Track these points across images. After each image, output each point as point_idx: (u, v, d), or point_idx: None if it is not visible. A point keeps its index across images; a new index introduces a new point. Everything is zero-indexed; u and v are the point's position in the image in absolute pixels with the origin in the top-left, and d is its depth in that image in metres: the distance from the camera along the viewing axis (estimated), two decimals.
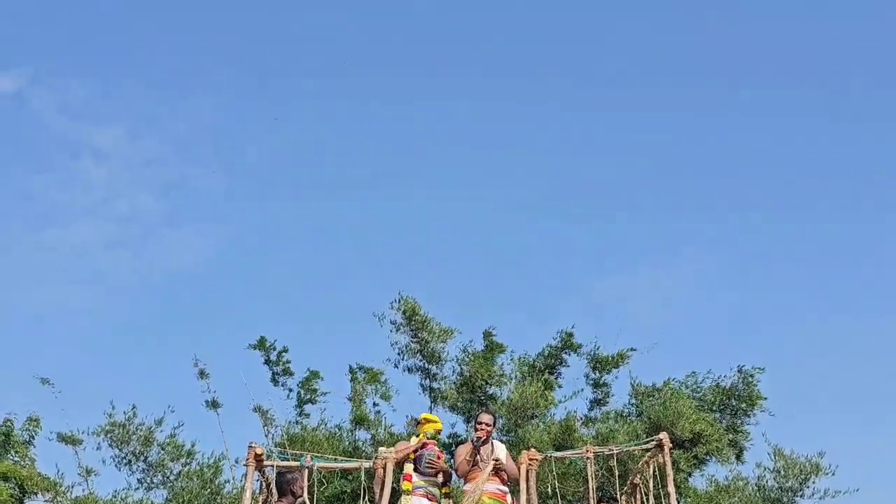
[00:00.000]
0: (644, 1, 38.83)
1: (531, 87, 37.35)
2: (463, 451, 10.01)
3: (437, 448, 9.99)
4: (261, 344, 18.97)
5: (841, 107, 36.39)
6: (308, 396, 18.88)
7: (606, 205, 35.54)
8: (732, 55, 38.05)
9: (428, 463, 9.70)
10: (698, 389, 17.88)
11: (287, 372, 19.02)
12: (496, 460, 9.70)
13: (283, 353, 19.07)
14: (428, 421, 10.19)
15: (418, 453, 9.76)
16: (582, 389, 18.16)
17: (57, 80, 37.29)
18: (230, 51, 37.73)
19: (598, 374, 18.30)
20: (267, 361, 19.06)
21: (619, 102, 37.94)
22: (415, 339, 17.99)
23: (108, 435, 17.05)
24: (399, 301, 17.95)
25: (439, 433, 10.43)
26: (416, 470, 9.76)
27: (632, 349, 18.20)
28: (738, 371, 17.91)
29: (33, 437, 17.98)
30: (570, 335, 18.37)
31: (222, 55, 38.05)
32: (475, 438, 9.84)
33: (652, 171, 35.99)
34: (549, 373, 18.22)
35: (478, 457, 9.77)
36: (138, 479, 17.32)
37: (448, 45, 38.59)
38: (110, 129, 36.28)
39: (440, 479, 9.86)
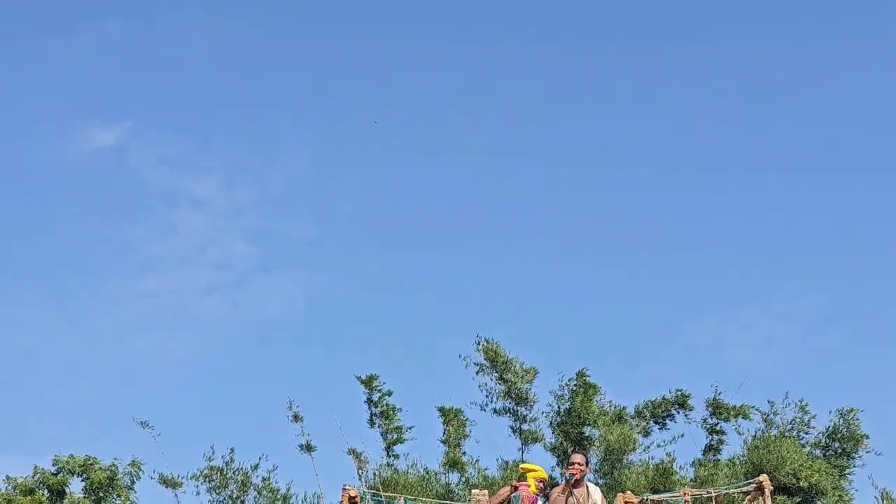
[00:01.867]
0: None
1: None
2: (556, 492, 9.89)
3: (529, 490, 9.87)
4: (368, 381, 19.04)
5: None
6: (395, 436, 18.89)
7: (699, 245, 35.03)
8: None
9: None
10: (800, 436, 17.49)
11: (385, 415, 19.06)
12: None
13: (387, 396, 19.12)
14: (527, 471, 10.09)
15: (512, 495, 9.67)
16: (682, 435, 17.90)
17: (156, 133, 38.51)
18: (324, 104, 38.49)
19: (716, 420, 18.10)
20: (368, 401, 19.13)
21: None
22: (500, 381, 17.92)
23: (207, 479, 17.31)
24: (480, 342, 17.92)
25: (543, 482, 10.29)
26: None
27: (756, 408, 18.00)
28: (839, 413, 17.53)
29: (135, 481, 18.35)
30: (687, 396, 18.20)
31: (316, 108, 38.82)
32: (568, 475, 9.72)
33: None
34: (655, 423, 18.05)
35: (570, 498, 9.62)
36: None
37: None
38: (207, 179, 37.26)
39: None
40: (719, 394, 18.09)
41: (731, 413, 17.95)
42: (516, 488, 9.78)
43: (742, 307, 34.21)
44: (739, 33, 38.43)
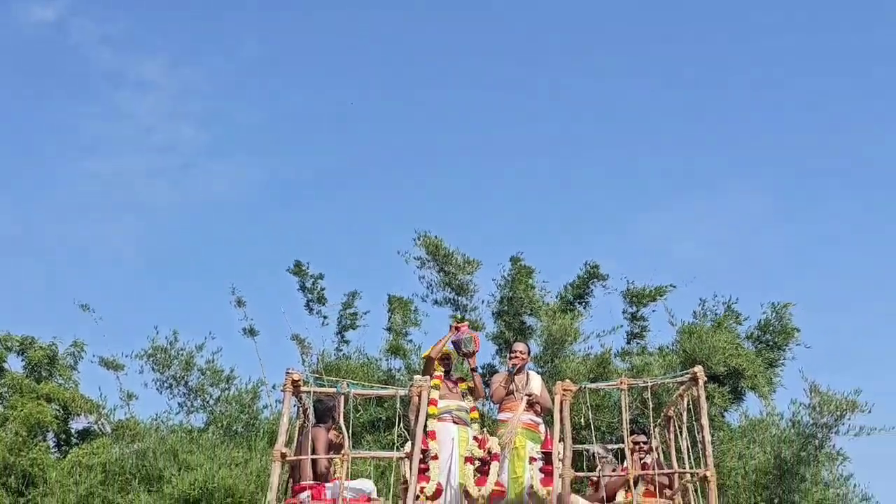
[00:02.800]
0: None
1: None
2: (498, 380, 10.15)
3: (470, 331, 10.20)
4: (297, 268, 19.14)
5: None
6: (349, 322, 19.08)
7: (644, 136, 35.15)
8: None
9: (465, 349, 9.93)
10: (734, 327, 17.87)
11: (321, 300, 19.18)
12: (529, 395, 9.81)
13: (319, 280, 19.23)
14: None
15: (460, 337, 9.97)
16: (620, 326, 18.20)
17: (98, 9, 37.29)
18: None
19: (634, 307, 18.32)
20: (302, 288, 19.24)
21: (655, 21, 37.29)
22: (441, 273, 18.02)
23: (151, 358, 17.36)
24: (420, 238, 17.94)
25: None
26: (447, 376, 9.94)
27: (671, 285, 18.21)
28: (772, 307, 17.92)
29: (77, 361, 18.37)
30: (596, 266, 18.36)
31: None
32: (510, 367, 9.99)
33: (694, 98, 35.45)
34: (578, 304, 18.28)
35: (512, 385, 9.89)
36: (179, 403, 17.69)
37: None
38: (152, 60, 36.32)
39: (470, 401, 9.98)
40: (632, 282, 18.33)
41: (648, 297, 18.19)
42: (458, 328, 10.10)
43: (688, 203, 34.69)
44: None
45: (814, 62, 36.40)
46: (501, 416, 9.92)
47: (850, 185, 34.27)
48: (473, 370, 10.33)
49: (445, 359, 10.10)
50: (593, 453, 10.07)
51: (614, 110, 35.48)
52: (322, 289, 19.23)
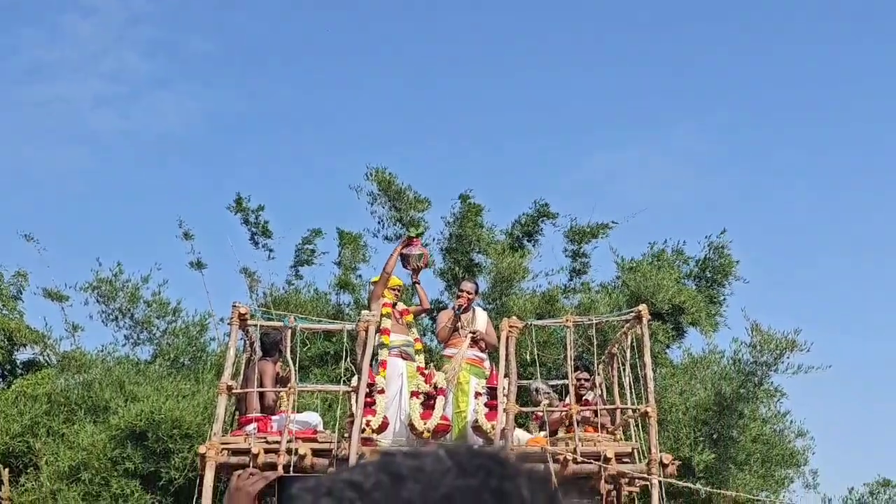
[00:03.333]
0: None
1: None
2: (444, 317, 10.24)
3: (422, 247, 10.32)
4: (238, 204, 18.90)
5: None
6: (306, 258, 19.00)
7: (595, 77, 35.11)
8: None
9: (415, 264, 10.10)
10: (677, 263, 18.10)
11: (266, 233, 19.02)
12: (473, 332, 9.92)
13: (259, 213, 19.01)
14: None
15: (406, 251, 10.07)
16: (563, 267, 18.34)
17: None
18: None
19: (576, 244, 18.45)
20: (245, 222, 19.06)
21: None
22: (393, 209, 17.98)
23: (95, 291, 17.18)
24: (373, 173, 17.85)
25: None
26: (406, 264, 10.04)
27: (613, 222, 18.36)
28: (710, 244, 18.14)
29: (21, 292, 18.16)
30: (546, 205, 18.45)
31: None
32: (457, 306, 10.06)
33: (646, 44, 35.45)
34: (527, 241, 18.39)
35: (459, 323, 9.98)
36: (125, 336, 17.59)
37: None
38: None
39: (414, 333, 10.11)
40: (575, 219, 18.46)
41: (590, 234, 18.35)
42: (412, 242, 10.23)
43: (639, 145, 34.85)
44: None
45: (762, 6, 36.48)
46: (447, 353, 10.03)
47: (795, 125, 34.62)
48: (416, 282, 10.47)
49: (396, 289, 10.18)
50: (535, 388, 10.23)
51: (565, 53, 35.35)
52: (266, 222, 19.04)
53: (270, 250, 19.02)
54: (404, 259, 10.16)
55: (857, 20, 34.11)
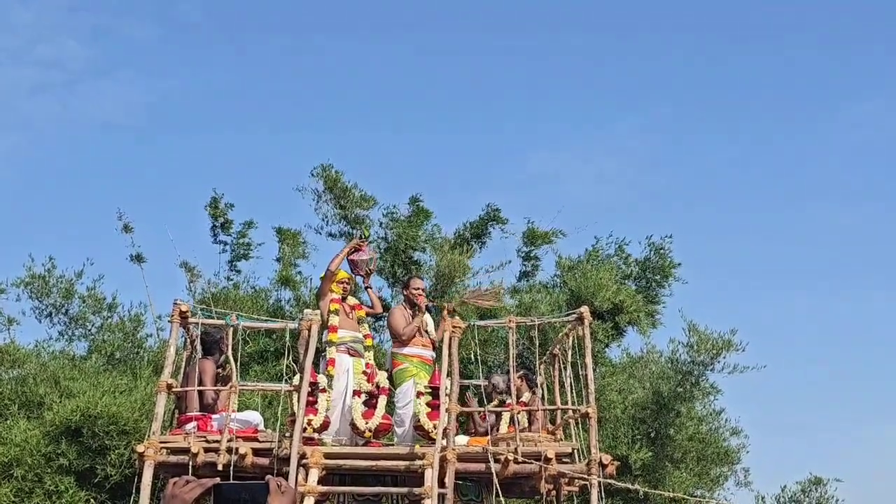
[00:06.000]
0: None
1: None
2: (400, 314, 10.03)
3: (370, 251, 10.26)
4: (213, 204, 18.74)
5: None
6: (242, 252, 18.85)
7: (541, 79, 35.32)
8: None
9: (367, 268, 10.08)
10: (619, 264, 18.27)
11: (226, 227, 18.87)
12: (427, 331, 9.91)
13: (230, 209, 18.92)
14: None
15: (355, 256, 10.00)
16: (510, 261, 18.43)
17: None
18: None
19: (529, 247, 18.62)
20: (214, 217, 18.87)
21: None
22: (338, 208, 17.92)
23: (28, 287, 16.85)
24: (321, 171, 17.78)
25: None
26: (353, 269, 10.00)
27: (562, 232, 18.53)
28: (650, 243, 18.35)
29: None
30: (497, 210, 18.56)
31: None
32: (420, 305, 9.92)
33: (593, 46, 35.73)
34: (475, 243, 18.44)
35: (417, 320, 9.87)
36: (59, 332, 17.26)
37: None
38: None
39: (364, 328, 10.03)
40: (532, 222, 18.60)
41: (542, 239, 18.51)
42: (361, 248, 10.15)
43: (583, 142, 35.14)
44: None
45: (697, 4, 36.99)
46: (406, 351, 9.84)
47: (736, 124, 35.18)
48: (368, 287, 10.40)
49: (344, 282, 10.05)
50: (493, 383, 10.24)
51: (510, 52, 35.53)
52: (231, 221, 18.92)
53: (225, 243, 18.89)
54: (353, 265, 10.07)
55: (802, 22, 34.75)
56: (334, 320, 9.67)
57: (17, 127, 33.55)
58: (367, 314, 10.32)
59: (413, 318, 9.90)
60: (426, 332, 9.94)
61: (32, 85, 34.08)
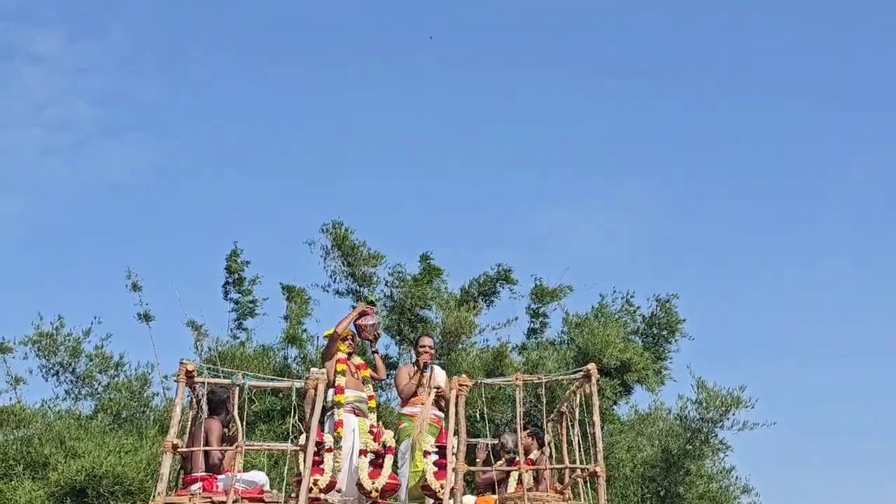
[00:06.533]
0: None
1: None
2: (405, 374, 10.08)
3: (376, 315, 10.23)
4: (232, 257, 18.84)
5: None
6: (248, 309, 18.87)
7: (548, 138, 35.58)
8: None
9: (373, 333, 10.02)
10: (625, 320, 18.25)
11: (238, 284, 18.93)
12: (437, 388, 9.84)
13: (245, 266, 18.99)
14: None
15: (361, 321, 9.98)
16: (516, 318, 18.42)
17: None
18: None
19: (537, 304, 18.63)
20: (229, 269, 18.95)
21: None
22: (346, 265, 17.98)
23: (35, 345, 16.87)
24: (330, 227, 17.87)
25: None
26: (359, 333, 9.95)
27: (569, 287, 18.53)
28: (656, 299, 18.35)
29: None
30: (509, 270, 18.61)
31: None
32: (422, 363, 9.93)
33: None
34: (483, 301, 18.45)
35: (423, 380, 9.87)
36: (66, 391, 17.25)
37: None
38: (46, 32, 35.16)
39: (369, 389, 9.99)
40: (540, 279, 18.62)
41: (551, 296, 18.50)
42: (367, 312, 10.11)
43: (588, 199, 35.31)
44: None
45: (702, 66, 37.34)
46: (406, 410, 9.87)
47: (742, 181, 35.33)
48: (375, 352, 10.38)
49: (350, 339, 10.05)
50: (501, 443, 10.16)
51: (516, 108, 35.84)
52: (244, 279, 19.01)
53: (236, 302, 18.93)
54: (359, 329, 10.06)
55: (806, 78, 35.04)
56: (341, 381, 9.64)
57: (26, 188, 33.84)
58: (371, 377, 10.28)
59: (414, 376, 9.91)
60: (434, 388, 9.87)
61: (41, 147, 34.42)
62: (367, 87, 35.57)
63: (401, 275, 18.08)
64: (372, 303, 10.45)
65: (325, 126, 35.10)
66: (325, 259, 18.06)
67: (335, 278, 18.24)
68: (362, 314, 10.07)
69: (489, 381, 11.44)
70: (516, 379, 9.78)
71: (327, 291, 18.41)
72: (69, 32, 35.38)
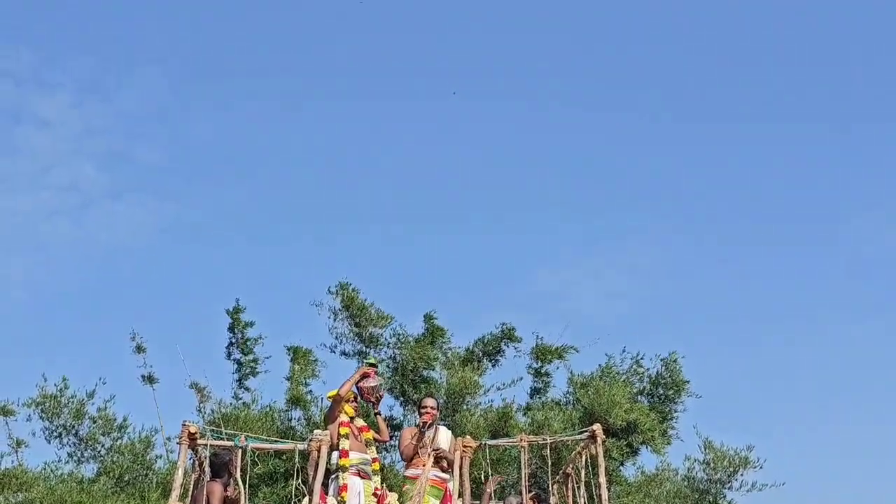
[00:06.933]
0: None
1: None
2: (408, 435, 10.02)
3: (378, 377, 10.14)
4: (234, 313, 18.80)
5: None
6: (250, 369, 18.81)
7: (550, 196, 35.73)
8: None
9: (376, 395, 9.91)
10: (630, 380, 18.16)
11: (243, 346, 18.87)
12: (436, 450, 9.73)
13: (249, 327, 18.93)
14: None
15: (363, 383, 9.91)
16: (521, 378, 18.31)
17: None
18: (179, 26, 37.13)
19: (540, 363, 18.52)
20: (232, 328, 18.91)
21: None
22: (353, 326, 17.97)
23: (39, 407, 16.82)
24: (338, 289, 17.90)
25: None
26: (361, 395, 9.87)
27: (574, 348, 18.46)
28: (662, 360, 18.26)
29: None
30: (512, 329, 18.56)
31: (173, 23, 37.43)
32: (421, 424, 9.88)
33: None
34: (487, 360, 18.38)
35: (424, 441, 9.79)
36: (68, 453, 17.14)
37: None
38: (53, 96, 35.56)
39: (373, 451, 9.90)
40: (541, 338, 18.54)
41: (553, 355, 18.42)
42: (369, 374, 10.05)
43: (591, 258, 35.33)
44: None
45: (701, 121, 37.66)
46: (409, 473, 9.79)
47: (745, 237, 35.38)
48: (378, 413, 10.30)
49: (354, 401, 9.99)
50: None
51: (514, 165, 36.08)
52: (248, 339, 18.96)
53: (240, 363, 18.86)
54: (362, 392, 10.00)
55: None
56: (345, 444, 9.55)
57: (32, 250, 33.95)
58: (375, 439, 10.20)
59: (414, 437, 9.84)
60: (434, 450, 9.77)
61: (48, 209, 34.62)
62: (371, 146, 35.83)
63: (403, 336, 18.04)
64: (373, 365, 10.38)
65: (329, 186, 35.27)
66: (335, 320, 18.07)
67: (342, 340, 18.23)
68: (364, 376, 10.03)
69: (493, 442, 11.37)
70: (521, 440, 9.73)
71: (334, 352, 18.39)
72: (75, 95, 35.74)
